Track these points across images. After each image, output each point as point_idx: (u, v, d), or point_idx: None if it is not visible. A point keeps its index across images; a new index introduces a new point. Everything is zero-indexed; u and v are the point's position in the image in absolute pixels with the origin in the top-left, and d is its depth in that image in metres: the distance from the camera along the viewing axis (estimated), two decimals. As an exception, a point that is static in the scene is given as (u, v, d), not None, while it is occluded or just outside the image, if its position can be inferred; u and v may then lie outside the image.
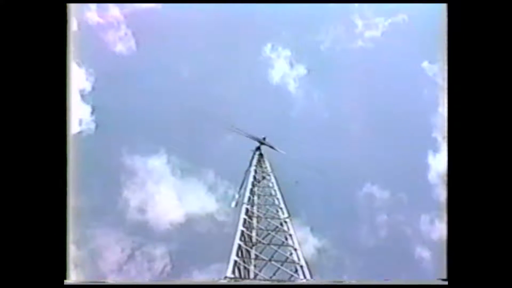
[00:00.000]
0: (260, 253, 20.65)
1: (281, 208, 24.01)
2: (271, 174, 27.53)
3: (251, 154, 30.92)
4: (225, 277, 17.91)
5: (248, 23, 41.80)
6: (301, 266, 19.48)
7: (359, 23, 43.71)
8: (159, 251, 34.65)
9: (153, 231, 35.82)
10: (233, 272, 18.21)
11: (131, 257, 33.56)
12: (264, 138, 32.62)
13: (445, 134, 13.71)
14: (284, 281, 18.68)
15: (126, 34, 39.69)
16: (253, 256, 20.65)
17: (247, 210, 23.58)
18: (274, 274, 19.47)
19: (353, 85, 42.81)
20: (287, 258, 20.16)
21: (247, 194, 25.23)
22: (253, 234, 22.29)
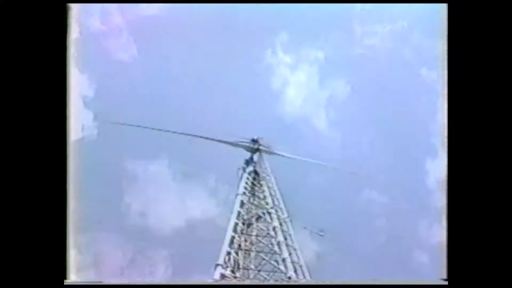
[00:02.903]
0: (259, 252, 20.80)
1: (280, 208, 23.99)
2: (271, 174, 26.99)
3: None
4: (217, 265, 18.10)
5: (249, 29, 41.73)
6: (300, 266, 19.59)
7: (358, 30, 43.61)
8: (160, 256, 34.60)
9: (155, 236, 35.75)
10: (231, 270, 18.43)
11: (132, 261, 33.54)
12: (255, 140, 28.14)
13: (445, 139, 13.73)
14: (284, 281, 18.76)
15: (128, 40, 39.77)
16: (252, 256, 20.78)
17: (242, 202, 23.59)
18: (273, 273, 19.60)
19: (353, 91, 42.82)
20: (285, 259, 20.25)
21: (242, 186, 25.03)
22: (253, 232, 22.42)
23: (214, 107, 39.41)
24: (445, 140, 13.69)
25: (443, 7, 14.11)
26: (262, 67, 44.56)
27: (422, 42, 40.91)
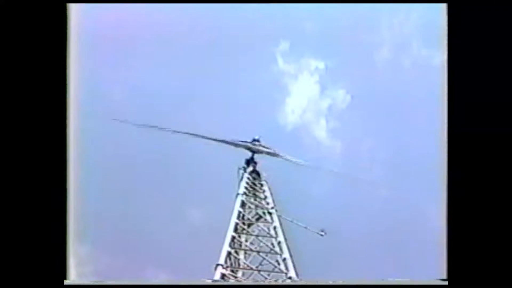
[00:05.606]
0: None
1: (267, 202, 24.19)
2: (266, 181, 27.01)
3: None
4: (217, 265, 18.31)
5: (249, 38, 41.56)
6: (284, 259, 19.77)
7: (359, 39, 43.39)
8: (160, 256, 34.58)
9: (156, 236, 35.74)
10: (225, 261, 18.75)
11: (132, 260, 33.54)
12: (256, 140, 27.85)
13: (446, 136, 13.73)
14: (284, 281, 18.80)
15: (128, 41, 39.70)
16: (253, 256, 20.83)
17: (243, 202, 23.72)
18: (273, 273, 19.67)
19: (354, 93, 42.86)
20: (285, 259, 20.32)
21: (242, 186, 25.23)
22: (254, 232, 22.50)
23: (212, 114, 39.35)
24: (446, 146, 13.70)
25: (444, 12, 14.10)
26: (262, 76, 44.47)
27: (422, 51, 41.12)
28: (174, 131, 27.27)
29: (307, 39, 43.71)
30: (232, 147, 28.06)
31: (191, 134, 27.39)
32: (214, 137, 27.83)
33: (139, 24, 38.13)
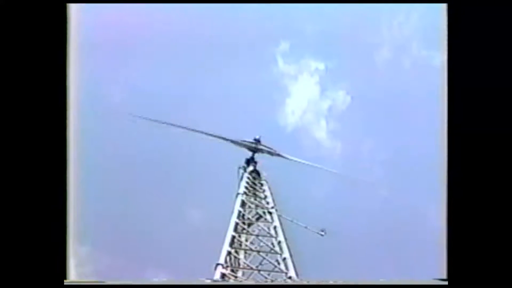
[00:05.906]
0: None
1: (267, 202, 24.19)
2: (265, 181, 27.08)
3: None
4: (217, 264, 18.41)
5: (249, 39, 41.49)
6: (284, 259, 19.79)
7: (360, 40, 43.35)
8: (160, 256, 34.59)
9: (156, 236, 35.76)
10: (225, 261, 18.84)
11: (132, 260, 33.55)
12: (257, 140, 27.97)
13: (445, 137, 13.73)
14: (284, 280, 18.81)
15: (127, 41, 39.65)
16: (253, 256, 20.84)
17: (243, 202, 23.75)
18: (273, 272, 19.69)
19: (354, 94, 42.85)
20: (285, 258, 20.34)
21: (242, 185, 25.32)
22: (254, 232, 22.51)
23: (212, 116, 39.25)
24: (446, 146, 13.70)
25: (444, 12, 14.09)
26: (262, 76, 44.38)
27: (422, 52, 41.16)
28: (177, 126, 27.38)
29: (307, 40, 43.75)
30: (232, 147, 28.23)
31: (191, 130, 27.49)
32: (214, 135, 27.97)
33: (139, 24, 38.07)
